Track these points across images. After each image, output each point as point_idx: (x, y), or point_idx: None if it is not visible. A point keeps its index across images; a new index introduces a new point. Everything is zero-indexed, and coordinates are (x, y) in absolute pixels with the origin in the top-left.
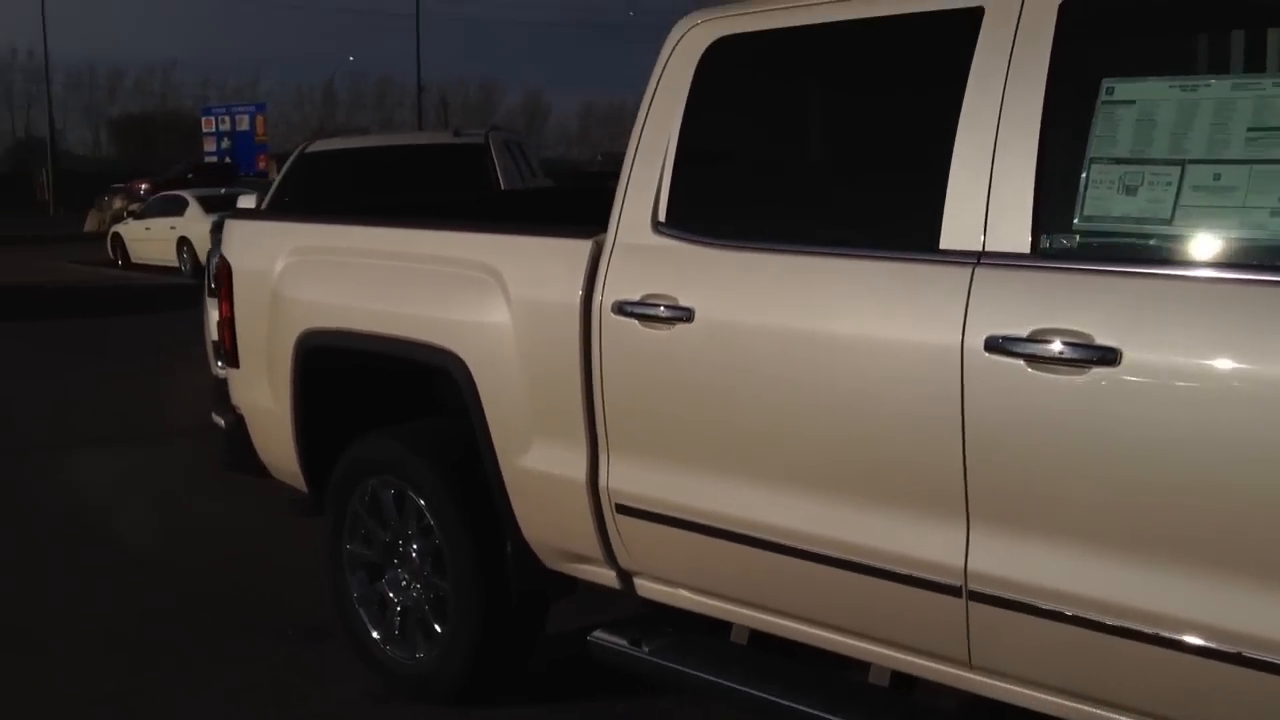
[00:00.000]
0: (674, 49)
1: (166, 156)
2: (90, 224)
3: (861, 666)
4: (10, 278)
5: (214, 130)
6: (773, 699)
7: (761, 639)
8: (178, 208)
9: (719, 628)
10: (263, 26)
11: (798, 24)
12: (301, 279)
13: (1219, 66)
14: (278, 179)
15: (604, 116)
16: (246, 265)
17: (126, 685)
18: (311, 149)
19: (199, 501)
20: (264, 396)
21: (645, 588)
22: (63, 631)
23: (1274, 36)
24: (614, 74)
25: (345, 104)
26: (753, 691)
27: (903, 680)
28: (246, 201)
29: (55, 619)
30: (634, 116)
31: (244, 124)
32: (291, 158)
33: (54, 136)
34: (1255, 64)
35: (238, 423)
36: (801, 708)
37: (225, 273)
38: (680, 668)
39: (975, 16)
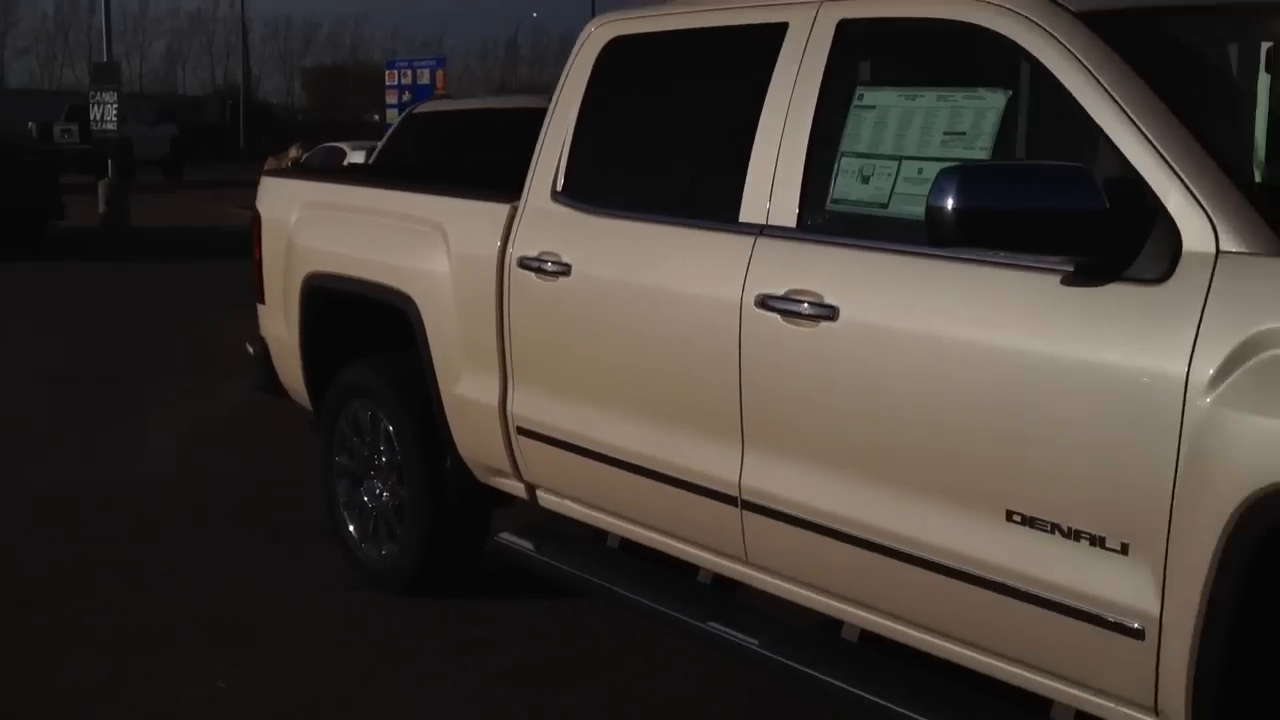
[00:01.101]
0: (581, 45)
1: (355, 107)
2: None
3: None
4: (168, 219)
5: (396, 84)
6: (631, 595)
7: (629, 545)
8: (337, 158)
9: (600, 535)
10: None
11: (669, 29)
12: (308, 229)
13: (948, 79)
14: (385, 137)
15: None
16: (271, 216)
17: (154, 563)
18: (419, 110)
19: (237, 421)
20: (281, 328)
21: (544, 499)
22: (107, 512)
23: (983, 53)
24: None
25: (528, 58)
26: (617, 589)
27: (722, 581)
28: (355, 157)
29: (107, 503)
30: None
31: (425, 78)
32: (400, 118)
33: (249, 87)
34: (967, 77)
35: (264, 350)
36: (652, 604)
37: (256, 222)
38: (562, 566)
39: (781, 30)
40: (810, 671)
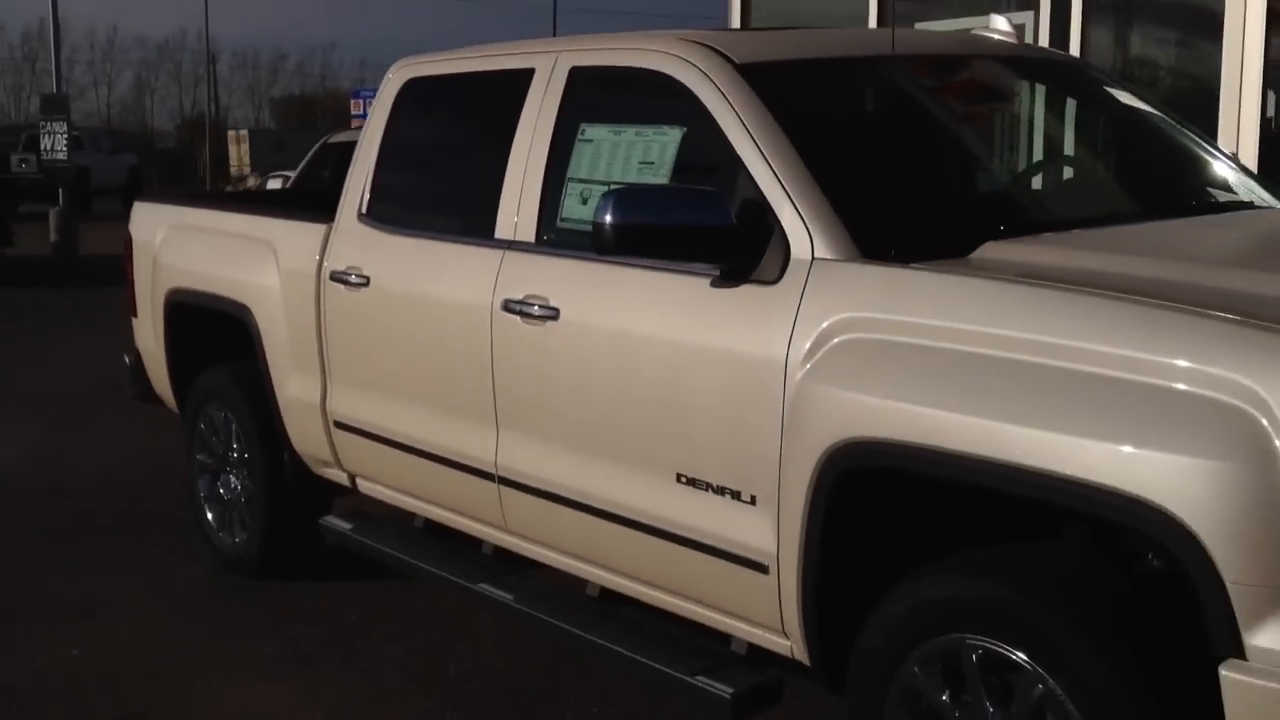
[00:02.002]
0: (385, 84)
1: (324, 135)
2: None
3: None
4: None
5: (362, 113)
6: (423, 565)
7: (432, 524)
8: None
9: (409, 515)
10: (416, 11)
11: (449, 72)
12: (170, 249)
13: (646, 117)
14: (301, 166)
15: None
16: (140, 237)
17: (43, 562)
18: (333, 139)
19: (118, 425)
20: (150, 340)
21: (362, 485)
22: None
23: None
24: None
25: None
26: (413, 561)
27: (500, 552)
28: (274, 183)
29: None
30: None
31: None
32: (314, 148)
33: (215, 116)
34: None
35: (137, 360)
36: (437, 571)
37: (128, 244)
38: (371, 543)
39: (529, 75)
40: (549, 618)
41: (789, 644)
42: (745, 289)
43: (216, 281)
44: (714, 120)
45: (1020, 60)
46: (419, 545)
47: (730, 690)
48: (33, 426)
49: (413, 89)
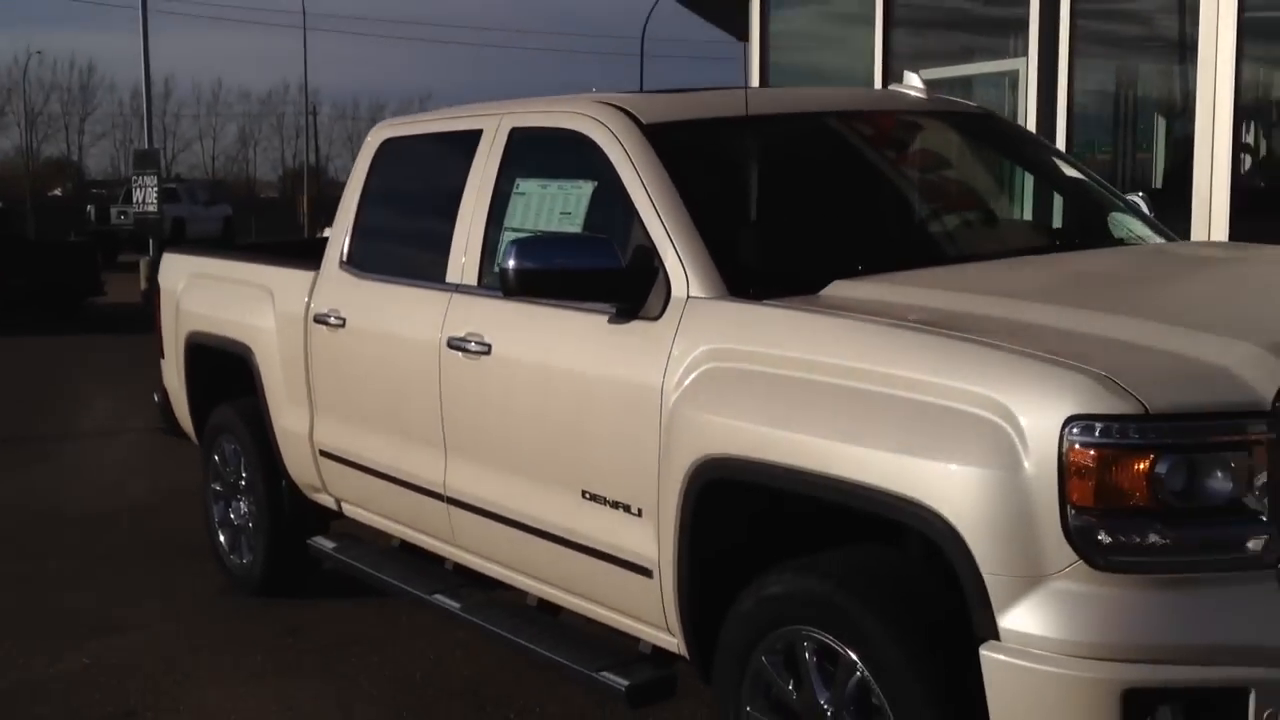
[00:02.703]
0: (365, 144)
1: None
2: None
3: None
4: None
5: None
6: (391, 581)
7: (406, 545)
8: None
9: (388, 537)
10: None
11: (417, 133)
12: (189, 295)
13: (568, 173)
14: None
15: None
16: (166, 285)
17: (77, 583)
18: None
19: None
20: (174, 379)
21: (346, 509)
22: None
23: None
24: None
25: None
26: (383, 577)
27: (459, 569)
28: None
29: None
30: None
31: None
32: None
33: (317, 163)
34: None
35: (165, 398)
36: (401, 585)
37: (156, 292)
38: (351, 561)
39: (478, 135)
40: (486, 624)
41: (675, 641)
42: (634, 324)
43: (225, 324)
44: (617, 174)
45: (928, 113)
46: (390, 563)
47: (625, 683)
48: (103, 460)
49: (388, 148)
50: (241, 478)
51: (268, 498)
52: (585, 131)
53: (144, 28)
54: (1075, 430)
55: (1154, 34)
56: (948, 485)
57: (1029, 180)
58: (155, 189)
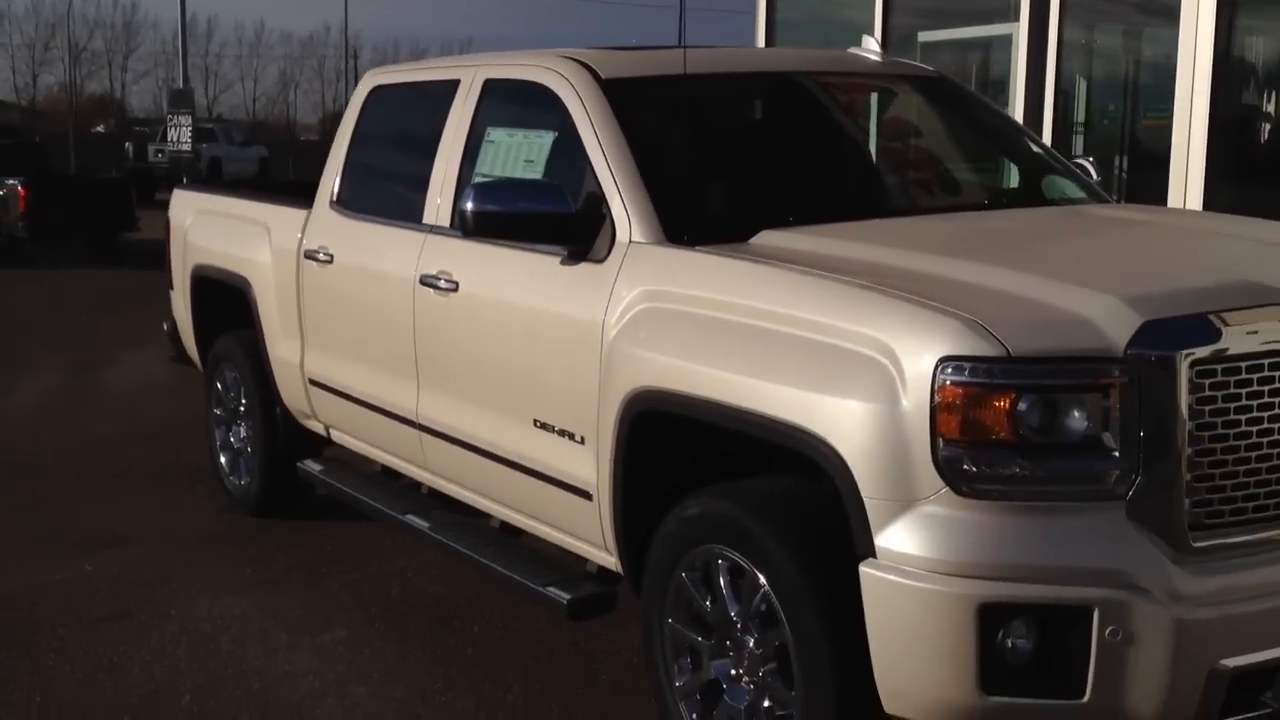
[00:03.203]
0: (356, 90)
1: None
2: None
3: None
4: None
5: None
6: (370, 502)
7: (388, 470)
8: None
9: (371, 462)
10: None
11: (402, 80)
12: (195, 230)
13: (533, 123)
14: None
15: None
16: (176, 220)
17: (91, 496)
18: None
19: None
20: (182, 309)
21: (335, 435)
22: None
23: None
24: None
25: None
26: (364, 499)
27: (435, 493)
28: None
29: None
30: None
31: None
32: None
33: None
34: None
35: (173, 327)
36: (379, 506)
37: (167, 226)
38: (334, 484)
39: (456, 85)
40: (451, 543)
41: (613, 559)
42: (583, 266)
43: (226, 258)
44: (574, 124)
45: (883, 75)
46: (371, 486)
47: (568, 597)
48: (124, 388)
49: (376, 95)
50: (241, 404)
51: (263, 423)
52: (548, 84)
53: None
54: (946, 370)
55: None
56: (837, 418)
57: (975, 141)
58: (189, 128)
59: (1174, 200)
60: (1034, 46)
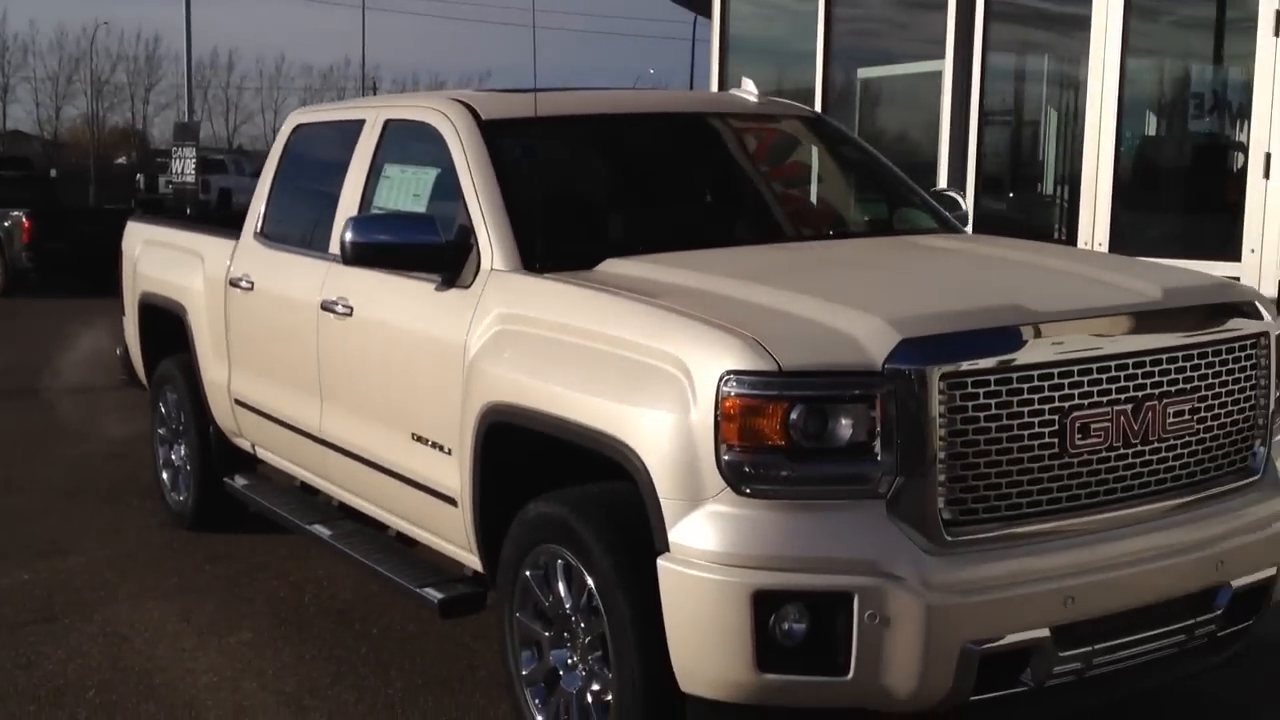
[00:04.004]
0: (282, 127)
1: None
2: None
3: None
4: None
5: None
6: (284, 514)
7: (306, 486)
8: None
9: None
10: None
11: (317, 120)
12: (143, 260)
13: (421, 159)
14: None
15: None
16: (127, 249)
17: (44, 512)
18: None
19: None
20: (132, 334)
21: (259, 452)
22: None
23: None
24: None
25: None
26: (278, 511)
27: (344, 506)
28: None
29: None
30: None
31: None
32: None
33: None
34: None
35: (125, 352)
36: (291, 518)
37: (119, 254)
38: (255, 498)
39: (361, 125)
40: (344, 549)
41: (477, 560)
42: (452, 291)
43: (167, 286)
44: (452, 161)
45: (759, 115)
46: (287, 499)
47: (440, 596)
48: (94, 409)
49: (298, 133)
50: (180, 424)
51: (198, 442)
52: (435, 124)
53: (186, 6)
54: (729, 383)
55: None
56: (640, 426)
57: (843, 177)
58: (194, 160)
59: (1084, 228)
60: (959, 82)
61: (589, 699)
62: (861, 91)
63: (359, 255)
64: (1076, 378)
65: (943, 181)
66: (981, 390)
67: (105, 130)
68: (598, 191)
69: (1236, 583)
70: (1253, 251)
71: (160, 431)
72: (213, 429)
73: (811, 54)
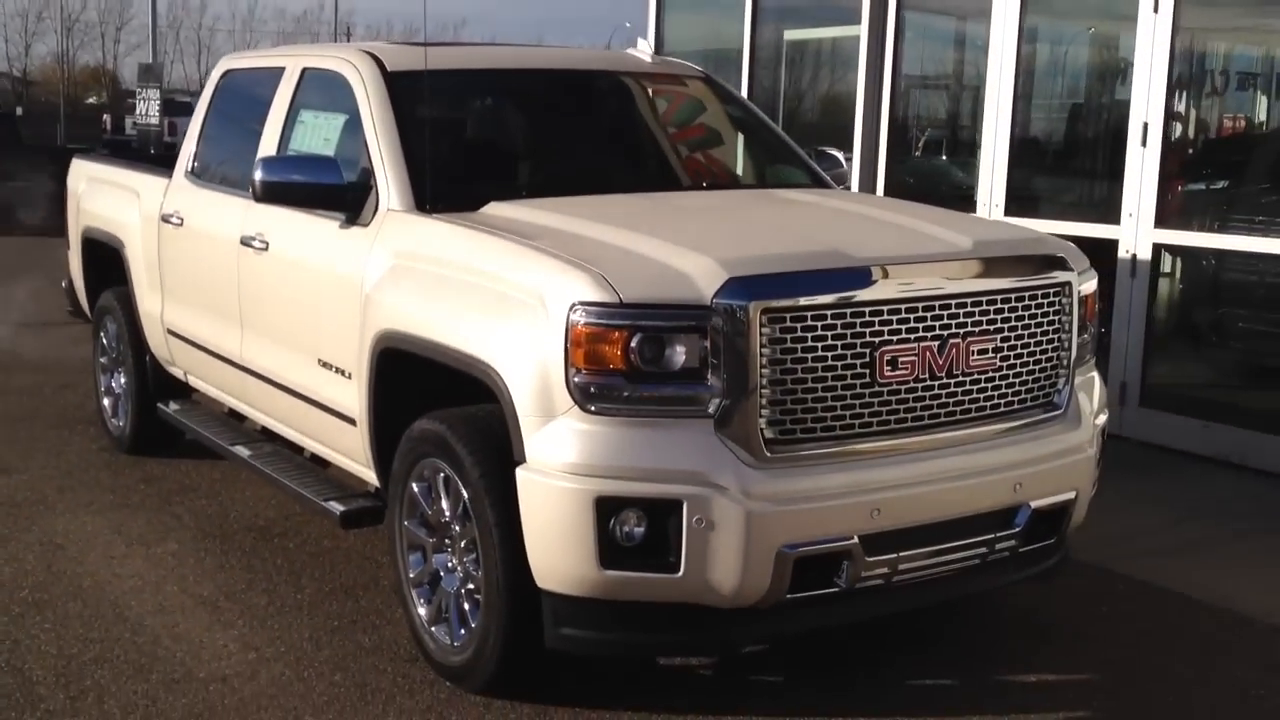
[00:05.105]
0: (213, 71)
1: None
2: None
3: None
4: None
5: None
6: (212, 438)
7: (235, 413)
8: None
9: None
10: None
11: (243, 66)
12: (85, 196)
13: (331, 106)
14: None
15: None
16: (71, 186)
17: None
18: None
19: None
20: (75, 267)
21: (191, 380)
22: None
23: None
24: None
25: None
26: (208, 436)
27: (266, 431)
28: None
29: None
30: None
31: None
32: None
33: None
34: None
35: (70, 285)
36: (217, 441)
37: (66, 190)
38: (185, 422)
39: (281, 72)
40: (260, 466)
41: (375, 476)
42: (353, 229)
43: (107, 221)
44: (358, 109)
45: (651, 73)
46: (213, 423)
47: (341, 509)
48: (45, 342)
49: (227, 77)
50: (119, 353)
51: (135, 370)
52: (344, 73)
53: None
54: (576, 313)
55: None
56: (503, 349)
57: (725, 133)
58: (158, 102)
59: (982, 191)
60: (873, 48)
61: (463, 596)
62: (788, 52)
63: (268, 193)
64: (886, 316)
65: (858, 143)
66: (799, 325)
67: (76, 69)
68: (488, 140)
69: (1035, 503)
70: (1130, 215)
71: (102, 361)
72: (149, 358)
73: (741, 11)
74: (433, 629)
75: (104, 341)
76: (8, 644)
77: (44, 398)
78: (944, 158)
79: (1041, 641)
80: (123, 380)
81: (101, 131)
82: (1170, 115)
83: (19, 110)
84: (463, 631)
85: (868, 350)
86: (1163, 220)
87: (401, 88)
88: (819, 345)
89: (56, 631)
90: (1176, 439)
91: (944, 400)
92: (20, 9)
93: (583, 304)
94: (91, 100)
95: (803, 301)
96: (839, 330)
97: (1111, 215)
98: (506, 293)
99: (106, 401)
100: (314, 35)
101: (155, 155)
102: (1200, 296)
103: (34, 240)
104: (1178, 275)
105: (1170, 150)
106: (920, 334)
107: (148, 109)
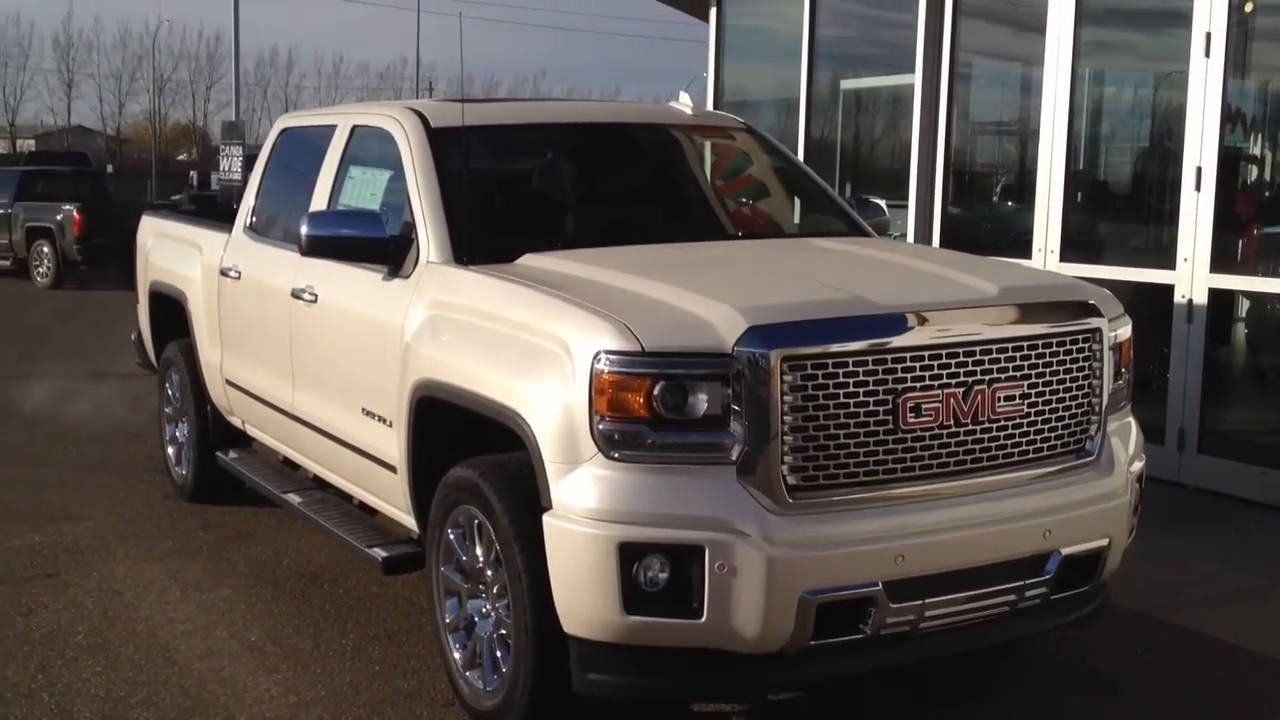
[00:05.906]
0: (272, 130)
1: None
2: None
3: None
4: None
5: None
6: (263, 485)
7: (288, 460)
8: None
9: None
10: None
11: (299, 125)
12: (154, 251)
13: (379, 162)
14: None
15: None
16: (140, 241)
17: (61, 484)
18: None
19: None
20: (144, 320)
21: (248, 429)
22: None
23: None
24: None
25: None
26: (260, 483)
27: (320, 480)
28: None
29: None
30: None
31: None
32: None
33: None
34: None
35: (139, 337)
36: (270, 488)
37: (136, 246)
38: (241, 470)
39: (333, 129)
40: (311, 514)
41: (415, 522)
42: (395, 281)
43: (171, 275)
44: (403, 165)
45: (693, 125)
46: (268, 471)
47: (384, 555)
48: (121, 394)
49: (284, 135)
50: (182, 403)
51: (197, 420)
52: (390, 130)
53: (235, 8)
54: (600, 362)
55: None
56: (530, 398)
57: (768, 183)
58: (240, 158)
59: (1038, 236)
60: (928, 94)
61: (496, 642)
62: (844, 100)
63: (313, 247)
64: (909, 363)
65: (913, 189)
66: (820, 372)
67: (167, 127)
68: (526, 193)
69: (1066, 550)
70: (1185, 260)
71: (167, 410)
72: (210, 408)
73: (798, 60)
74: (467, 674)
75: (169, 392)
76: (59, 687)
77: (115, 447)
78: (999, 202)
79: (1082, 692)
80: (186, 430)
81: (188, 187)
82: (1224, 159)
83: (109, 168)
84: (495, 676)
85: (890, 397)
86: (1218, 265)
87: (444, 143)
88: (841, 392)
89: (107, 675)
90: (1234, 485)
91: (970, 447)
92: (114, 70)
93: (606, 353)
94: (182, 157)
95: (824, 349)
96: (861, 378)
97: (1167, 260)
98: (534, 341)
99: (171, 450)
100: (397, 91)
101: (235, 210)
102: (1259, 341)
103: (124, 294)
104: (1235, 320)
105: (1225, 194)
106: (944, 381)
107: (231, 164)
